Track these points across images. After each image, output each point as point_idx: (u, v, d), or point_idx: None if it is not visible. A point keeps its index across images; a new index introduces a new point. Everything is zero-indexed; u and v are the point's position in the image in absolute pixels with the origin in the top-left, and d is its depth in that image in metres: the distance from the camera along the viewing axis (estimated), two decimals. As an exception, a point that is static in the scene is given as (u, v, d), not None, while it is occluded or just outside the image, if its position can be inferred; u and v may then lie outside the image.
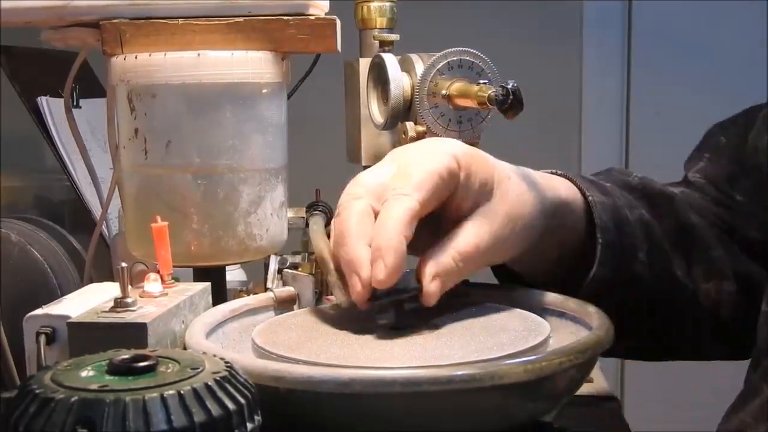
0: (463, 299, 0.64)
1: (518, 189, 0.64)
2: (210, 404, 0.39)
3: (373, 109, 0.80)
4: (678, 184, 0.87)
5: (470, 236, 0.60)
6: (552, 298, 0.64)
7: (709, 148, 0.88)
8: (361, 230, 0.58)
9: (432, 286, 0.58)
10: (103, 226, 0.85)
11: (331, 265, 0.62)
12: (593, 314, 0.59)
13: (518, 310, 0.62)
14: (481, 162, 0.62)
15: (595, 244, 0.71)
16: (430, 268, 0.58)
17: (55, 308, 0.58)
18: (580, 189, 0.73)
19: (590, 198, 0.72)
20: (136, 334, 0.52)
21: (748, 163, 0.82)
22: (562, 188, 0.71)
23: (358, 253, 0.57)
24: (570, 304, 0.62)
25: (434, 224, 0.62)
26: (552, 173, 0.75)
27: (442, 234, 0.61)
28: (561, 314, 0.62)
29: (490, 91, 0.67)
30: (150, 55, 0.69)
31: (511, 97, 0.65)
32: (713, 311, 0.79)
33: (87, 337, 0.53)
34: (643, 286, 0.75)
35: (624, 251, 0.73)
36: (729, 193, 0.83)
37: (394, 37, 0.80)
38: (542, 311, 0.62)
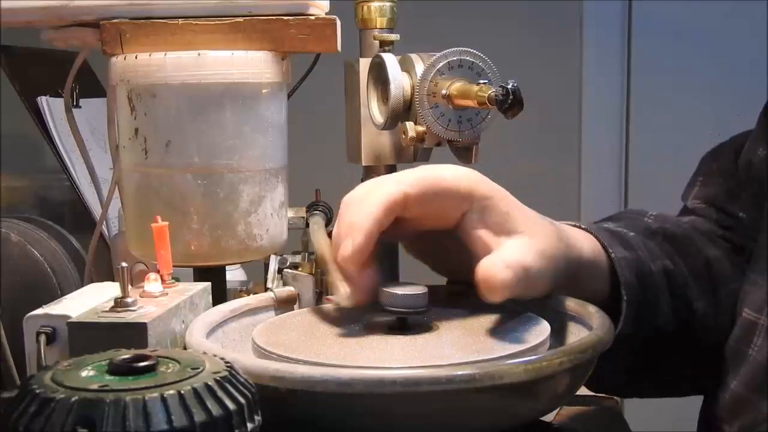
0: (463, 299, 0.64)
1: (548, 232, 0.62)
2: (210, 404, 0.39)
3: (373, 109, 0.80)
4: (684, 215, 0.87)
5: (517, 254, 0.57)
6: (552, 298, 0.64)
7: (702, 173, 0.88)
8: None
9: (504, 273, 0.55)
10: (104, 226, 0.85)
11: (332, 265, 0.62)
12: (593, 314, 0.59)
13: (518, 310, 0.62)
14: (502, 195, 0.60)
15: (619, 301, 0.70)
16: (499, 260, 0.56)
17: (55, 308, 0.58)
18: (602, 245, 0.72)
19: (614, 255, 0.71)
20: (136, 334, 0.52)
21: (743, 179, 0.82)
22: (585, 246, 0.69)
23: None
24: (570, 304, 0.62)
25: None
26: (574, 226, 0.73)
27: (463, 266, 0.59)
28: (561, 314, 0.62)
29: (490, 91, 0.67)
30: (150, 55, 0.69)
31: (511, 96, 0.65)
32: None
33: (87, 337, 0.53)
34: (664, 336, 0.75)
35: (648, 306, 0.73)
36: (730, 212, 0.83)
37: (394, 37, 0.80)
38: (542, 311, 0.62)
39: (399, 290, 0.57)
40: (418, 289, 0.57)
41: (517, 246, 0.58)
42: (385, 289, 0.57)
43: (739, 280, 0.79)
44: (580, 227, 0.73)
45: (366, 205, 0.56)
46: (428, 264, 0.66)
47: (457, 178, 0.58)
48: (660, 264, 0.76)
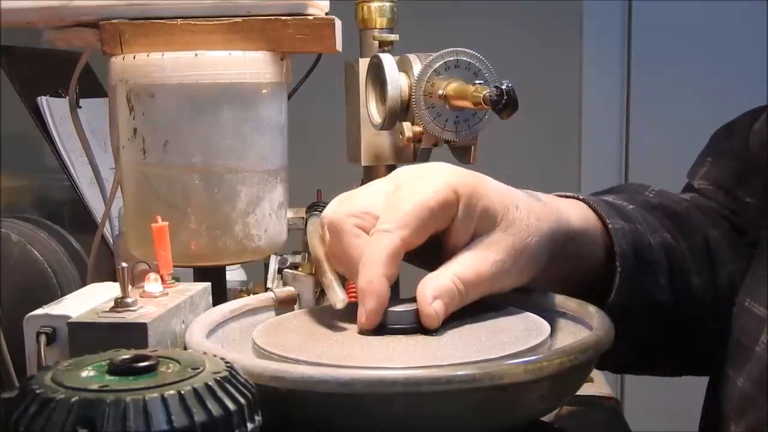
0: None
1: (526, 219, 0.62)
2: (210, 404, 0.39)
3: (371, 109, 0.80)
4: (686, 192, 0.87)
5: (470, 263, 0.59)
6: (552, 298, 0.64)
7: (713, 152, 0.87)
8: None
9: (432, 308, 0.57)
10: (105, 226, 0.85)
11: (327, 266, 0.62)
12: (593, 314, 0.59)
13: (518, 310, 0.62)
14: (483, 191, 0.60)
15: (614, 271, 0.71)
16: (429, 290, 0.58)
17: (55, 308, 0.58)
18: (599, 216, 0.72)
19: (611, 226, 0.72)
20: (136, 334, 0.52)
21: (756, 164, 0.81)
22: (574, 216, 0.69)
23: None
24: (570, 304, 0.62)
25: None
26: (571, 197, 0.74)
27: (444, 259, 0.60)
28: (561, 314, 0.62)
29: (485, 92, 0.67)
30: (148, 55, 0.69)
31: (505, 97, 0.65)
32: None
33: (87, 337, 0.53)
34: (664, 310, 0.75)
35: (644, 279, 0.73)
36: (738, 197, 0.83)
37: (394, 37, 0.80)
38: (542, 311, 0.62)
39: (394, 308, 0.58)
40: (409, 306, 0.58)
41: (467, 259, 0.60)
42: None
43: (738, 263, 0.79)
44: (577, 198, 0.74)
45: (370, 264, 0.58)
46: (425, 267, 0.67)
47: (438, 192, 0.59)
48: (659, 237, 0.76)
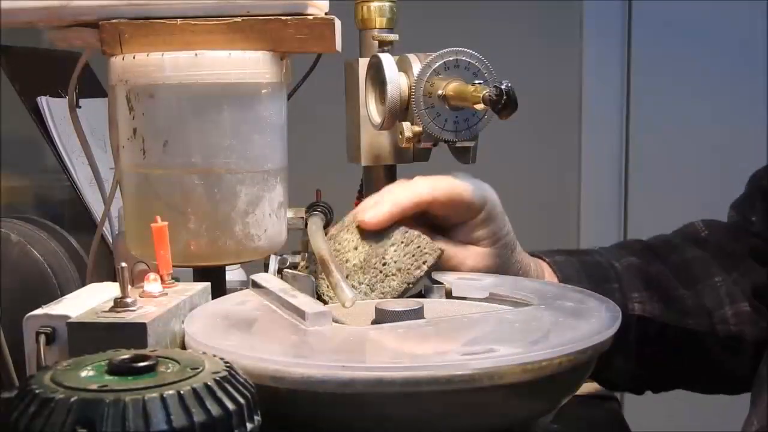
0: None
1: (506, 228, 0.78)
2: (210, 404, 0.39)
3: (371, 109, 0.80)
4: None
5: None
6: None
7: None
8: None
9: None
10: (105, 226, 0.84)
11: (332, 266, 0.62)
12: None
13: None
14: (492, 216, 0.76)
15: None
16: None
17: (55, 308, 0.58)
18: (543, 258, 0.85)
19: (548, 259, 0.84)
20: (135, 334, 0.52)
21: (765, 189, 0.88)
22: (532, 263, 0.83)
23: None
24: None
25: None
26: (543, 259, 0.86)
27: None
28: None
29: (484, 92, 0.67)
30: (147, 55, 0.69)
31: (504, 97, 0.65)
32: (735, 333, 0.82)
33: (87, 337, 0.53)
34: (654, 324, 0.82)
35: (606, 292, 0.76)
36: (747, 216, 0.90)
37: (394, 37, 0.80)
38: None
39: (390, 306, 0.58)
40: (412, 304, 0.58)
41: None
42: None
43: (726, 277, 0.85)
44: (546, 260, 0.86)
45: (398, 192, 0.72)
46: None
47: (473, 193, 0.74)
48: (626, 262, 0.85)
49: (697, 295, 0.83)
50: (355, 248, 0.72)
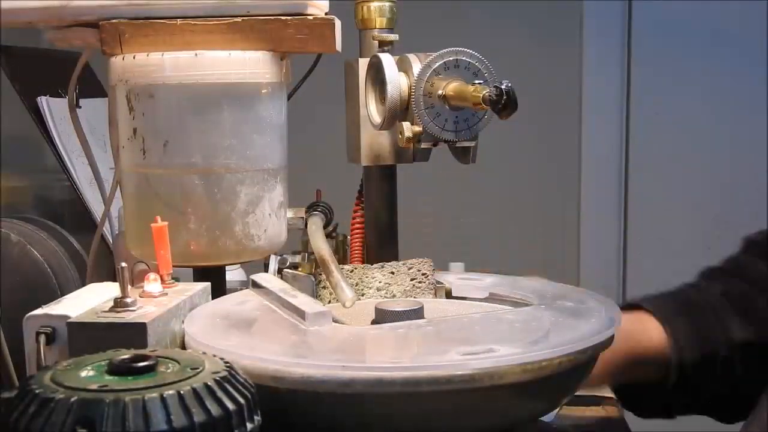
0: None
1: None
2: (210, 404, 0.39)
3: (371, 109, 0.80)
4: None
5: None
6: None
7: None
8: None
9: None
10: (105, 226, 0.84)
11: (332, 266, 0.62)
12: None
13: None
14: None
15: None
16: None
17: (55, 308, 0.58)
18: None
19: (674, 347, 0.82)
20: (135, 334, 0.52)
21: None
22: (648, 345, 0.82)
23: None
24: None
25: None
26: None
27: None
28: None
29: (484, 92, 0.67)
30: (148, 55, 0.69)
31: (504, 97, 0.65)
32: None
33: (87, 337, 0.53)
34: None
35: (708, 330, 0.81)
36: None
37: (394, 37, 0.80)
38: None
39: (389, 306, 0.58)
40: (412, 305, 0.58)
41: None
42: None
43: None
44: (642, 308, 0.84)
45: None
46: None
47: None
48: (716, 288, 0.85)
49: None
50: None
